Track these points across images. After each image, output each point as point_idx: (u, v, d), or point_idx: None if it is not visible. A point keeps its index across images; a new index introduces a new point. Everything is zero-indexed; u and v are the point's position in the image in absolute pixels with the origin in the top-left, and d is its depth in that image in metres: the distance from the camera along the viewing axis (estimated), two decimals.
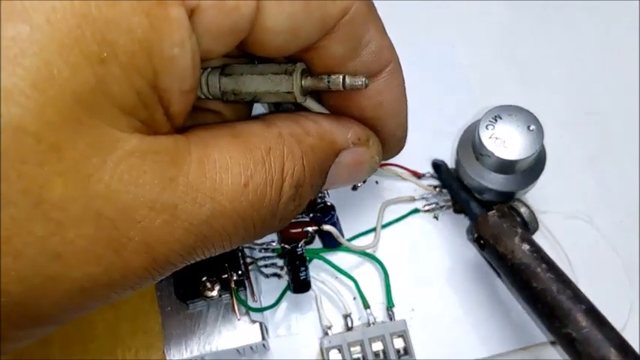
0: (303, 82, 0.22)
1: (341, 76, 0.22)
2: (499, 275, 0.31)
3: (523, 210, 0.30)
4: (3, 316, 0.15)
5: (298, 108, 0.31)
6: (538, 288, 0.27)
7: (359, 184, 0.34)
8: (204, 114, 0.24)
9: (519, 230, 0.28)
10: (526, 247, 0.28)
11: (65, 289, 0.16)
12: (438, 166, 0.33)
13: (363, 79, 0.22)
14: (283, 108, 0.34)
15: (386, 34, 0.23)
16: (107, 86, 0.15)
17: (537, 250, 0.28)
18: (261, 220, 0.20)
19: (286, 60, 0.23)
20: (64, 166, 0.15)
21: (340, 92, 0.23)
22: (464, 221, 0.33)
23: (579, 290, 0.27)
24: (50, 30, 0.14)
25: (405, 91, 0.26)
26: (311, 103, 0.24)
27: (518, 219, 0.29)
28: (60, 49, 0.14)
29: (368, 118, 0.25)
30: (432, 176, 0.34)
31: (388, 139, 0.26)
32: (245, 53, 0.21)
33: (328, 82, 0.22)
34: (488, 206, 0.32)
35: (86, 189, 0.15)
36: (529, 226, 0.30)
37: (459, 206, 0.33)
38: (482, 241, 0.29)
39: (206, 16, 0.17)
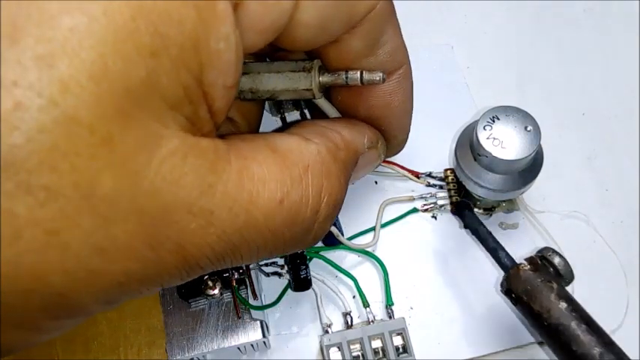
0: (320, 78, 0.23)
1: (359, 72, 0.22)
2: (534, 331, 0.29)
3: (557, 261, 0.28)
4: (43, 307, 0.15)
5: (308, 105, 0.31)
6: (578, 352, 0.24)
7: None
8: None
9: (555, 286, 0.26)
10: (563, 305, 0.26)
11: (104, 282, 0.16)
12: (462, 209, 0.32)
13: (381, 74, 0.22)
14: (285, 107, 0.34)
15: (402, 37, 0.24)
16: (156, 79, 0.15)
17: (576, 309, 0.26)
18: (292, 237, 0.20)
19: (302, 56, 0.23)
20: (114, 160, 0.15)
21: (351, 90, 0.23)
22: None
23: (624, 353, 0.25)
24: (106, 22, 0.14)
25: (413, 96, 0.26)
26: (323, 103, 0.24)
27: (551, 270, 0.27)
28: (115, 41, 0.14)
29: (374, 117, 0.25)
30: (438, 191, 0.34)
31: (391, 139, 0.27)
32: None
33: (346, 77, 0.22)
34: (488, 209, 0.33)
35: (133, 185, 0.15)
36: (565, 278, 0.27)
37: (456, 207, 0.33)
38: (513, 296, 0.27)
39: (250, 10, 0.17)
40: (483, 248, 0.30)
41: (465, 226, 0.32)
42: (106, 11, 0.14)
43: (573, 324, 0.25)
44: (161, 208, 0.16)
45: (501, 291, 0.29)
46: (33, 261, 0.14)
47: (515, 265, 0.28)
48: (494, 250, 0.29)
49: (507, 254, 0.29)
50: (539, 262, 0.28)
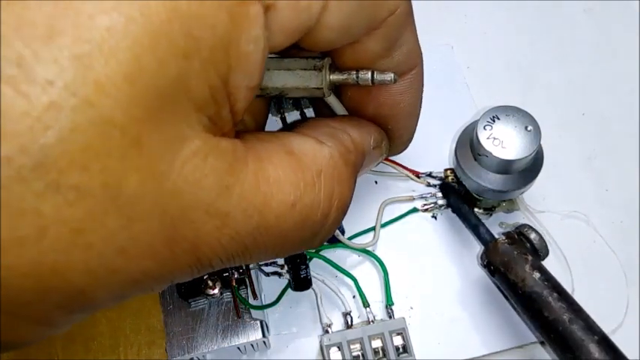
0: (331, 77, 0.22)
1: (370, 72, 0.22)
2: (510, 302, 0.31)
3: (533, 236, 0.29)
4: (60, 303, 0.15)
5: (313, 101, 0.31)
6: (550, 318, 0.26)
7: None
8: None
9: (530, 258, 0.28)
10: (537, 275, 0.27)
11: (121, 280, 0.16)
12: (446, 189, 0.33)
13: (392, 75, 0.22)
14: (285, 107, 0.34)
15: (417, 38, 0.24)
16: (186, 81, 0.15)
17: (548, 279, 0.27)
18: (300, 239, 0.20)
19: (312, 53, 0.23)
20: (141, 161, 0.15)
21: (361, 87, 0.23)
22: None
23: (592, 320, 0.26)
24: (143, 22, 0.14)
25: (422, 97, 0.26)
26: (332, 101, 0.24)
27: (528, 245, 0.29)
28: (150, 42, 0.14)
29: (382, 115, 0.25)
30: (438, 192, 0.34)
31: (396, 138, 0.27)
32: None
33: (357, 77, 0.22)
34: (488, 209, 0.33)
35: (157, 185, 0.15)
36: (539, 252, 0.29)
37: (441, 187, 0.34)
38: (492, 268, 0.29)
39: (281, 14, 0.17)
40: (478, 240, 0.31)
41: (448, 205, 0.33)
42: (143, 12, 0.14)
43: (545, 292, 0.27)
44: (181, 209, 0.16)
45: (481, 263, 0.31)
46: (55, 259, 0.14)
47: (494, 240, 0.30)
48: (476, 226, 0.31)
49: (487, 230, 0.31)
50: (516, 236, 0.29)
